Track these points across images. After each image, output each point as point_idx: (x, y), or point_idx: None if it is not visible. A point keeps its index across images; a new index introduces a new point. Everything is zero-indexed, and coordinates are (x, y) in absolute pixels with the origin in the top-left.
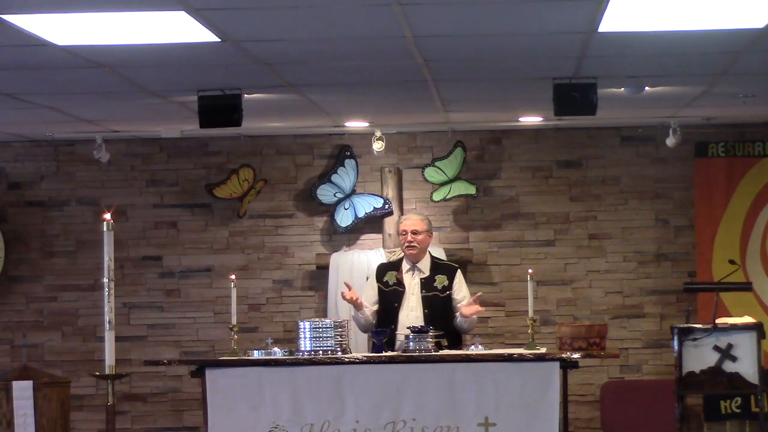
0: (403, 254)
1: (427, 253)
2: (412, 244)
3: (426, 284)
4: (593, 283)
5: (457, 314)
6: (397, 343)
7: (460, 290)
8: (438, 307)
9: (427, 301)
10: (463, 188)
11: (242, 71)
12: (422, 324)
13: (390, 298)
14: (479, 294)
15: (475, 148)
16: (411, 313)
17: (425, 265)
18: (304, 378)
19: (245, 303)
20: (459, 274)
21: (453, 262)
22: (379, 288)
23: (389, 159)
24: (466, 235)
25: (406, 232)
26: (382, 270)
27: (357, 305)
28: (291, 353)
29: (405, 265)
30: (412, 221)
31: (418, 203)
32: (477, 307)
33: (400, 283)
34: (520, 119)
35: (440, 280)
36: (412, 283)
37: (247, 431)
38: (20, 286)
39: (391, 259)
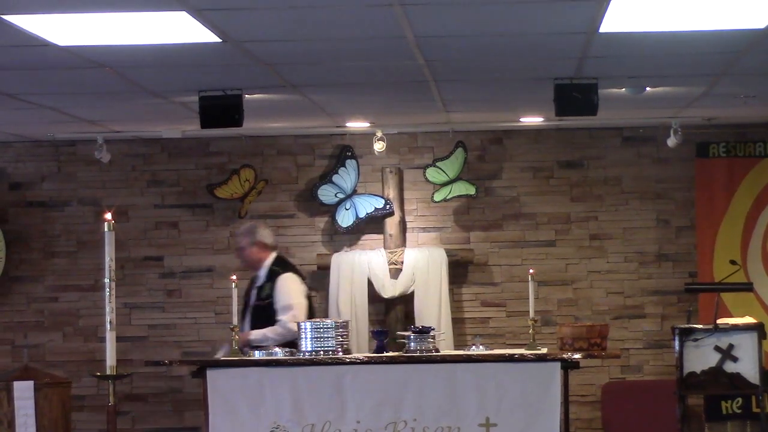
0: None
1: (268, 260)
2: (241, 259)
3: (257, 294)
4: (594, 284)
5: None
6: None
7: (278, 299)
8: (259, 316)
9: (251, 311)
10: (463, 188)
11: (243, 71)
12: None
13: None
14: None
15: (476, 148)
16: (246, 325)
17: (263, 273)
18: (305, 378)
19: None
20: (280, 281)
21: (285, 268)
22: None
23: (390, 159)
24: (467, 235)
25: (236, 250)
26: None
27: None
28: (292, 354)
29: None
30: (236, 238)
31: (419, 203)
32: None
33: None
34: (521, 119)
35: (266, 288)
36: (252, 294)
37: (247, 431)
38: (21, 286)
39: None
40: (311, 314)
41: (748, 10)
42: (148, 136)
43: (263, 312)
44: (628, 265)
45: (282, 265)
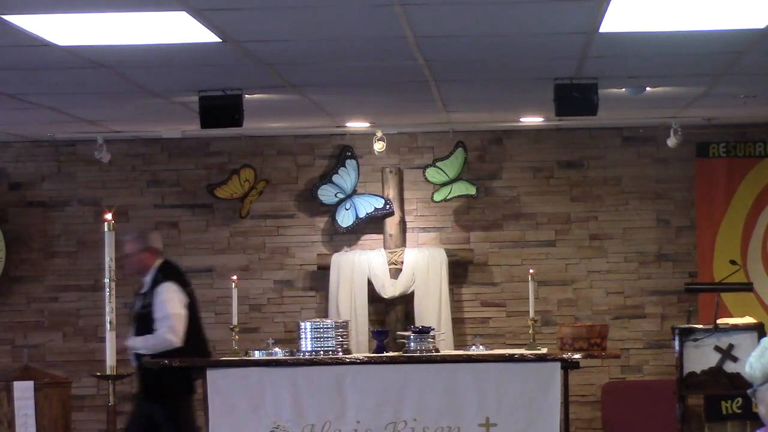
0: None
1: (155, 266)
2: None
3: (142, 301)
4: (594, 284)
5: None
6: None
7: (156, 309)
8: (141, 324)
9: (135, 318)
10: (463, 188)
11: (243, 71)
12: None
13: None
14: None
15: (476, 148)
16: (132, 333)
17: (148, 279)
18: (305, 378)
19: (246, 303)
20: (161, 290)
21: (168, 276)
22: None
23: (390, 159)
24: (467, 235)
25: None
26: None
27: None
28: (292, 354)
29: None
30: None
31: (419, 203)
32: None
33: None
34: (521, 119)
35: (148, 296)
36: (138, 301)
37: (247, 431)
38: (21, 286)
39: None
40: (194, 323)
41: (748, 10)
42: (148, 136)
43: (145, 320)
44: (628, 265)
45: (166, 273)
